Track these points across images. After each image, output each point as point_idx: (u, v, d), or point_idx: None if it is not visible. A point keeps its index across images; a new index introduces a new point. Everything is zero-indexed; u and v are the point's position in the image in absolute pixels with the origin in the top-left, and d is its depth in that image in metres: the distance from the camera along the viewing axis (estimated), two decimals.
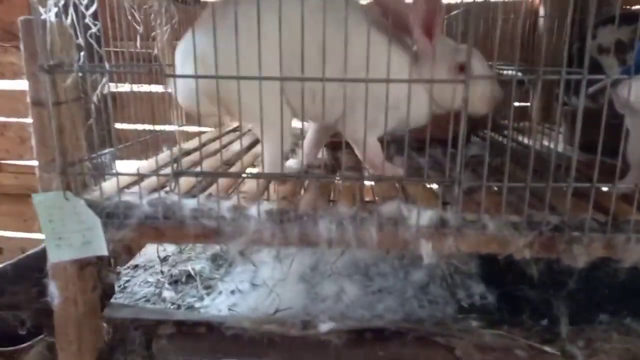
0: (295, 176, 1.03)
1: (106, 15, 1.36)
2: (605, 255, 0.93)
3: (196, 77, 0.95)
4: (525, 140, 1.61)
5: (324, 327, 1.01)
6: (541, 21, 2.19)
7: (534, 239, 0.93)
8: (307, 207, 0.97)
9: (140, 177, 1.02)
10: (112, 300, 1.19)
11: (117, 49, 1.42)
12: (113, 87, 1.47)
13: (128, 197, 0.98)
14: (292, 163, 1.27)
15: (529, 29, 2.02)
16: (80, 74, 0.99)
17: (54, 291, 1.03)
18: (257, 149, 1.67)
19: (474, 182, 0.93)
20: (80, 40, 0.99)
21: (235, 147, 1.62)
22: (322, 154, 1.40)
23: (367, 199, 1.07)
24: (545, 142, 1.42)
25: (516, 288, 1.40)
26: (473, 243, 0.95)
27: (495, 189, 1.10)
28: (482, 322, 1.14)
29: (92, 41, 1.02)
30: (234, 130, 2.06)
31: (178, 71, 1.07)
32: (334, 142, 1.53)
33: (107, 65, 0.95)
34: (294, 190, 1.10)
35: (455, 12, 1.61)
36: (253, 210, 0.95)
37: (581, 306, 1.25)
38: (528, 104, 2.25)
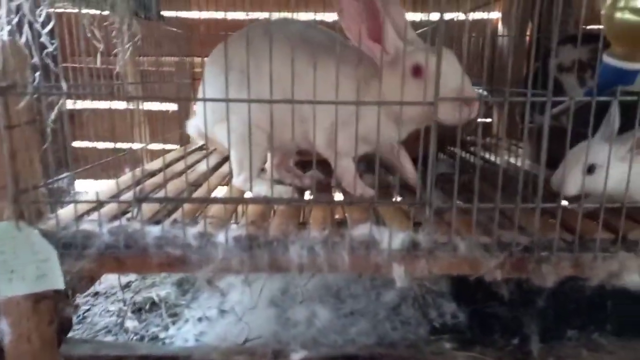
0: (264, 201, 1.00)
1: (64, 30, 1.31)
2: (573, 274, 0.94)
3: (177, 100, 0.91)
4: (491, 157, 1.64)
5: (296, 356, 0.98)
6: (500, 40, 2.26)
7: (504, 260, 0.93)
8: (277, 232, 0.94)
9: (100, 203, 0.96)
10: (70, 334, 1.11)
11: (76, 65, 1.36)
12: (71, 104, 1.42)
13: (87, 225, 0.93)
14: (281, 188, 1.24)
15: (491, 48, 2.07)
16: (35, 96, 0.94)
17: (4, 328, 0.96)
18: (224, 168, 1.63)
19: (444, 203, 0.92)
20: (36, 60, 0.94)
21: (202, 167, 1.57)
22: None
23: (337, 216, 1.05)
24: (511, 159, 1.45)
25: (486, 306, 1.41)
26: (445, 265, 0.94)
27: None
28: (454, 342, 1.13)
29: (49, 60, 0.97)
30: (200, 148, 2.02)
31: None
32: (304, 161, 1.52)
33: (64, 86, 0.89)
34: (263, 213, 1.07)
35: (422, 29, 1.63)
36: (221, 237, 0.92)
37: (550, 323, 1.27)
38: (490, 119, 2.32)
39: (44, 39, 0.97)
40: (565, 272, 0.93)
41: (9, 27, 0.90)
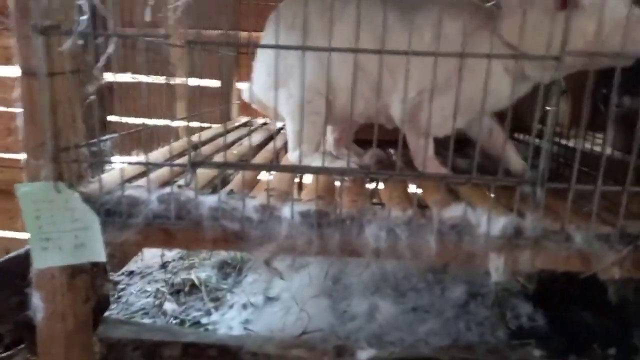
0: (338, 171, 0.86)
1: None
2: None
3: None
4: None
5: (363, 355, 0.84)
6: None
7: (627, 255, 0.76)
8: (350, 210, 0.80)
9: (149, 167, 0.84)
10: (107, 314, 1.01)
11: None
12: (110, 78, 1.31)
13: (133, 191, 0.81)
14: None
15: None
16: (81, 41, 0.82)
17: (38, 303, 0.84)
18: (271, 144, 1.50)
19: (559, 183, 0.76)
20: (83, 1, 0.82)
21: (247, 142, 1.45)
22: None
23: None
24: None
25: (566, 309, 1.24)
26: (551, 258, 0.79)
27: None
28: (542, 350, 0.98)
29: (97, 2, 0.85)
30: (243, 125, 1.90)
31: None
32: (363, 140, 1.37)
33: (111, 30, 0.77)
34: (327, 188, 0.93)
35: None
36: (285, 211, 0.78)
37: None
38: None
39: None
40: None
41: None
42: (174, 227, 0.80)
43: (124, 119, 1.25)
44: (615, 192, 0.76)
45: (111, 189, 0.81)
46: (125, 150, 1.21)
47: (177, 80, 1.68)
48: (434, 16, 0.91)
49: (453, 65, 0.82)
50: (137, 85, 1.27)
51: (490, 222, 0.76)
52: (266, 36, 1.16)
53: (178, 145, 1.22)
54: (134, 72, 1.27)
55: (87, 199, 0.78)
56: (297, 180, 1.30)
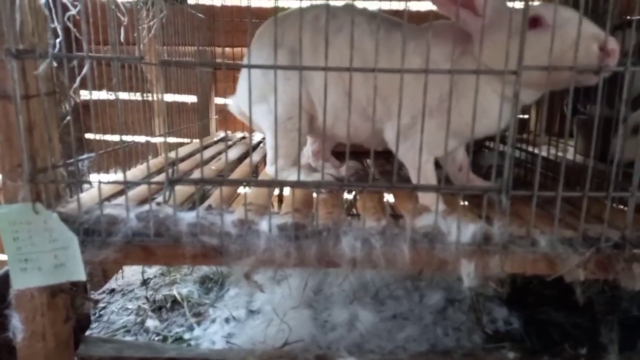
0: (314, 185, 0.88)
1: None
2: None
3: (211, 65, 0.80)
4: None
5: None
6: None
7: (589, 258, 0.80)
8: (327, 221, 0.82)
9: (127, 185, 0.85)
10: (88, 333, 1.00)
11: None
12: (86, 96, 1.31)
13: (112, 210, 0.82)
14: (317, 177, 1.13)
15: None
16: (55, 63, 0.83)
17: (17, 324, 0.84)
18: (252, 157, 1.52)
19: (523, 191, 0.80)
20: (56, 24, 0.83)
21: (228, 156, 1.46)
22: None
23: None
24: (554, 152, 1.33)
25: (540, 311, 1.28)
26: (519, 263, 0.82)
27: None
28: (516, 352, 1.01)
29: (70, 25, 0.86)
30: (222, 140, 1.92)
31: None
32: (340, 152, 1.40)
33: (85, 52, 0.78)
34: (305, 201, 0.96)
35: None
36: (263, 225, 0.80)
37: (615, 330, 1.14)
38: (527, 116, 2.19)
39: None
40: None
41: None
42: (154, 244, 0.81)
43: (102, 137, 1.25)
44: (579, 197, 0.79)
45: (89, 208, 0.82)
46: (104, 168, 1.22)
47: (154, 97, 1.69)
48: (422, 43, 0.94)
49: (445, 90, 0.85)
50: (114, 102, 1.28)
51: (460, 230, 0.79)
52: (253, 51, 1.17)
53: (156, 162, 1.23)
54: (110, 89, 1.28)
55: (66, 219, 0.79)
56: (277, 192, 1.32)
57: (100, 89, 1.26)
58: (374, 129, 1.02)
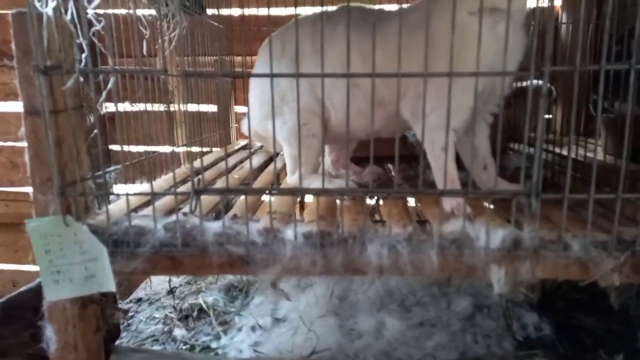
0: (339, 191, 0.88)
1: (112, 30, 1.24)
2: None
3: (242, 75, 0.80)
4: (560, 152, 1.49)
5: None
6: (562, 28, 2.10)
7: (625, 261, 0.78)
8: (352, 229, 0.82)
9: (154, 196, 0.86)
10: (117, 342, 1.02)
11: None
12: (112, 108, 1.34)
13: (139, 221, 0.83)
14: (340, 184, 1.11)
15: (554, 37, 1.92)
16: (82, 78, 0.85)
17: (50, 335, 0.86)
18: (272, 166, 1.52)
19: (554, 194, 0.78)
20: (82, 40, 0.85)
21: (248, 165, 1.47)
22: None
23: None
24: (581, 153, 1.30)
25: (571, 316, 1.25)
26: (551, 268, 0.80)
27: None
28: (549, 359, 0.98)
29: (95, 40, 0.88)
30: (244, 148, 1.93)
31: None
32: (360, 157, 1.40)
33: (110, 66, 0.80)
34: (329, 209, 0.95)
35: None
36: (289, 233, 0.80)
37: None
38: (551, 116, 2.15)
39: (90, 15, 0.88)
40: None
41: (53, 2, 0.81)
42: (181, 255, 0.82)
43: (128, 148, 1.27)
44: (610, 199, 0.77)
45: (118, 219, 0.83)
46: (130, 179, 1.23)
47: (176, 108, 1.71)
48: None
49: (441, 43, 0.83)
50: (137, 114, 1.31)
51: (489, 235, 0.77)
52: (257, 67, 1.19)
53: (180, 172, 1.24)
54: (134, 101, 1.31)
55: (95, 231, 0.80)
56: (299, 200, 1.32)
57: (124, 101, 1.29)
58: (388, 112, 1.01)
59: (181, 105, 1.65)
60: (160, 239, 0.80)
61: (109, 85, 0.86)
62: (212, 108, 2.15)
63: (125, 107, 1.27)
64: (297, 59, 0.78)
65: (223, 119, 2.17)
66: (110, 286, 0.80)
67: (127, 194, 0.83)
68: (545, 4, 1.38)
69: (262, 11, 2.10)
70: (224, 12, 2.18)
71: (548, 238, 0.78)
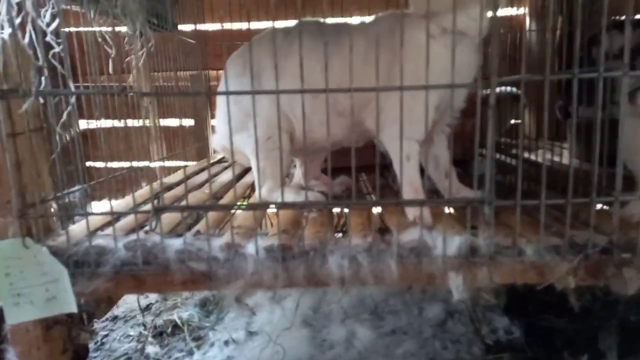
0: (299, 206, 0.89)
1: (74, 48, 1.24)
2: None
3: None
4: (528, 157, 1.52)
5: None
6: (528, 35, 2.15)
7: (579, 265, 0.80)
8: (313, 241, 0.83)
9: (115, 216, 0.86)
10: None
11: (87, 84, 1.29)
12: (84, 125, 1.34)
13: (100, 240, 0.83)
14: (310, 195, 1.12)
15: (519, 44, 1.96)
16: (41, 100, 0.85)
17: (13, 359, 0.85)
18: (247, 179, 1.53)
19: (506, 200, 0.80)
20: (41, 61, 0.86)
21: (223, 178, 1.48)
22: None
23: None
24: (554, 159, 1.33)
25: (541, 318, 1.27)
26: (507, 273, 0.82)
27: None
28: None
29: (55, 62, 0.88)
30: (219, 161, 1.93)
31: None
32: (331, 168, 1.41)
33: (72, 87, 0.81)
34: (294, 221, 0.96)
35: None
36: (250, 248, 0.81)
37: (616, 335, 1.12)
38: (520, 121, 2.19)
39: (49, 38, 0.88)
40: None
41: (9, 29, 0.82)
42: (143, 273, 0.82)
43: (105, 164, 1.27)
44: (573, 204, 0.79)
45: (79, 240, 0.84)
46: (101, 197, 1.23)
47: (148, 123, 1.71)
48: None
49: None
50: (111, 130, 1.31)
51: (445, 243, 0.79)
52: (222, 84, 1.20)
53: (144, 192, 1.24)
54: (109, 117, 1.31)
55: (55, 252, 0.80)
56: (270, 212, 1.33)
57: (99, 118, 1.29)
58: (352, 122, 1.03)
59: (153, 122, 1.65)
60: (121, 258, 0.80)
61: (69, 107, 0.87)
62: (189, 122, 2.16)
63: (100, 124, 1.27)
64: (251, 75, 0.80)
65: (200, 133, 2.18)
66: (72, 307, 0.80)
67: (87, 214, 0.83)
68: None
69: (237, 25, 2.12)
70: (201, 27, 2.20)
71: (503, 244, 0.80)
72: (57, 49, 0.90)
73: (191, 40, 1.90)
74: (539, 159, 1.56)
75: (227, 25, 2.18)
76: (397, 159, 0.98)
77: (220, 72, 2.20)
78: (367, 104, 1.01)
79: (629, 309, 1.17)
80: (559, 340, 1.15)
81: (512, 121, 1.93)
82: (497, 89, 0.91)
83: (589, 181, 0.81)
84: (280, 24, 1.98)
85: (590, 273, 0.81)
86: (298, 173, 1.32)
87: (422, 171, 1.04)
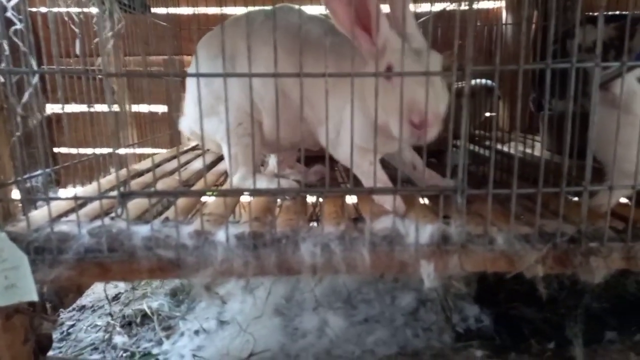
0: (271, 192, 0.88)
1: (38, 28, 1.19)
2: (626, 267, 0.83)
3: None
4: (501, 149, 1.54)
5: None
6: (504, 28, 2.17)
7: (547, 253, 0.81)
8: (285, 228, 0.82)
9: (79, 201, 0.83)
10: (50, 354, 0.98)
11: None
12: (52, 109, 1.29)
13: (63, 226, 0.80)
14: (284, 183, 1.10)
15: (495, 37, 1.97)
16: (1, 79, 0.81)
17: None
18: (220, 166, 1.50)
19: (477, 190, 0.80)
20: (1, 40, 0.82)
21: (194, 166, 1.45)
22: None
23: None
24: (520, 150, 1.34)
25: (510, 307, 1.29)
26: (478, 261, 0.82)
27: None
28: (484, 350, 1.01)
29: (17, 39, 0.84)
30: (192, 149, 1.90)
31: None
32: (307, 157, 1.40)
33: (33, 65, 0.77)
34: (267, 209, 0.95)
35: (423, 18, 1.53)
36: (220, 235, 0.79)
37: (585, 324, 1.15)
38: (495, 114, 2.22)
39: (10, 14, 0.84)
40: (616, 264, 0.82)
41: None
42: (108, 260, 0.79)
43: (69, 150, 1.22)
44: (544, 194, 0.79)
45: (41, 225, 0.80)
46: (71, 183, 1.19)
47: (115, 107, 1.66)
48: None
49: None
50: (80, 115, 1.27)
51: (418, 231, 0.79)
52: (192, 65, 1.17)
53: (113, 177, 1.21)
54: (76, 101, 1.26)
55: (15, 238, 0.77)
56: (243, 200, 1.30)
57: (68, 102, 1.24)
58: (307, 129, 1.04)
59: (121, 106, 1.61)
60: (85, 245, 0.77)
61: (31, 87, 0.83)
62: (163, 108, 2.11)
63: (65, 107, 1.23)
64: (223, 57, 0.77)
65: (173, 120, 2.13)
66: (32, 296, 0.77)
67: (49, 199, 0.79)
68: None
69: (212, 10, 2.07)
70: (175, 10, 2.15)
71: (475, 232, 0.80)
72: (18, 26, 0.85)
73: (164, 23, 1.85)
74: (512, 151, 1.58)
75: (202, 10, 2.13)
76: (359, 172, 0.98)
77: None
78: (317, 124, 1.01)
79: (594, 297, 1.20)
80: (527, 328, 1.17)
81: (487, 114, 1.95)
82: (472, 82, 0.92)
83: (560, 173, 0.82)
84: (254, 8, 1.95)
85: (558, 261, 0.82)
86: (272, 162, 1.30)
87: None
